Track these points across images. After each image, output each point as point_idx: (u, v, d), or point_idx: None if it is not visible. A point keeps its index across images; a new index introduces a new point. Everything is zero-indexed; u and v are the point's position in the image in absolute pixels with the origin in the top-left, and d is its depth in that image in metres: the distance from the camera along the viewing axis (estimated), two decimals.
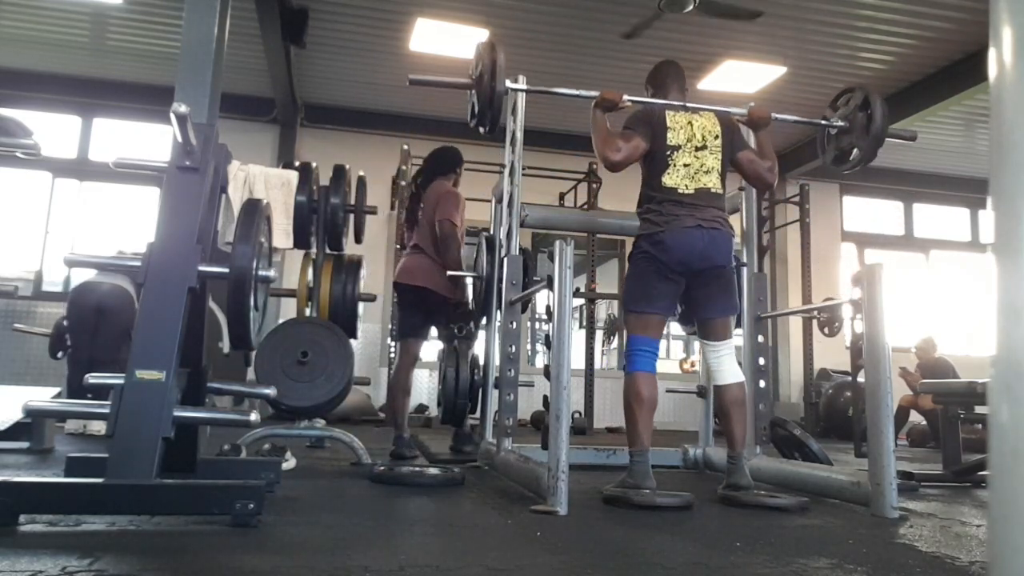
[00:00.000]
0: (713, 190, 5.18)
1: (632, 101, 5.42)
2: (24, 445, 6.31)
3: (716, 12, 9.78)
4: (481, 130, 5.86)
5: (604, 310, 17.87)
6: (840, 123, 5.92)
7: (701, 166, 5.17)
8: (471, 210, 13.16)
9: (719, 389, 5.31)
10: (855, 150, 5.90)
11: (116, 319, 7.91)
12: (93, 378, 3.85)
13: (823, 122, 6.05)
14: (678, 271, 5.06)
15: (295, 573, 2.70)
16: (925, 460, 8.86)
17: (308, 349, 5.91)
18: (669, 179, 5.12)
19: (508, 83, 5.84)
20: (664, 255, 5.01)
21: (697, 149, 5.18)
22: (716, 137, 5.24)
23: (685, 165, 5.14)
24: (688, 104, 5.41)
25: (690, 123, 5.25)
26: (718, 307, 5.26)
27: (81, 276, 8.60)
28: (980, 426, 8.38)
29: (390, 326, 12.95)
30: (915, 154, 16.07)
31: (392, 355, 12.78)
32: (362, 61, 12.91)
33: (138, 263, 3.87)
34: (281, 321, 6.75)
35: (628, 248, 5.50)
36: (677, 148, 5.15)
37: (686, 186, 5.11)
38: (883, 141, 5.76)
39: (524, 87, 6.16)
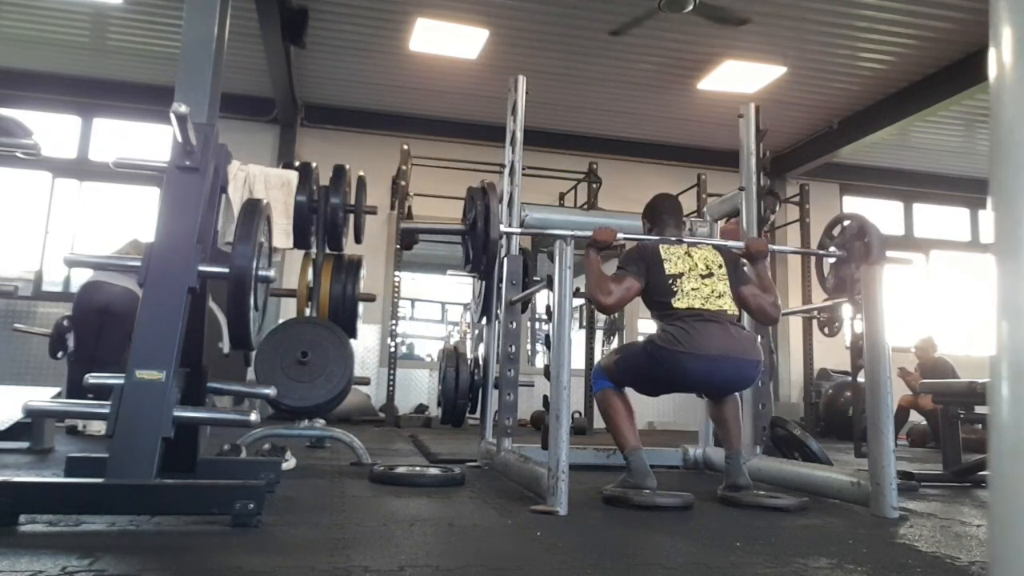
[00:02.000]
0: (730, 312, 5.07)
1: (625, 239, 5.37)
2: (24, 445, 6.31)
3: (708, 15, 9.79)
4: (476, 276, 5.87)
5: None
6: (838, 252, 5.91)
7: (712, 291, 5.05)
8: None
9: None
10: (858, 281, 5.87)
11: (123, 321, 7.90)
12: (93, 378, 3.85)
13: (821, 252, 6.04)
14: (688, 388, 5.08)
15: (295, 573, 2.70)
16: (925, 460, 8.86)
17: (308, 349, 5.92)
18: (681, 303, 4.97)
19: (502, 227, 5.86)
20: (679, 375, 4.92)
21: (703, 276, 5.09)
22: (720, 266, 5.18)
23: (693, 289, 5.02)
24: (684, 239, 5.36)
25: (688, 254, 5.19)
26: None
27: (86, 276, 8.59)
28: (980, 426, 8.38)
29: (390, 326, 12.96)
30: (915, 154, 16.09)
31: (392, 355, 12.79)
32: (362, 61, 12.91)
33: (138, 263, 3.87)
34: (281, 321, 6.75)
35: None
36: (679, 276, 5.05)
37: (703, 305, 4.98)
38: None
39: (518, 231, 6.19)
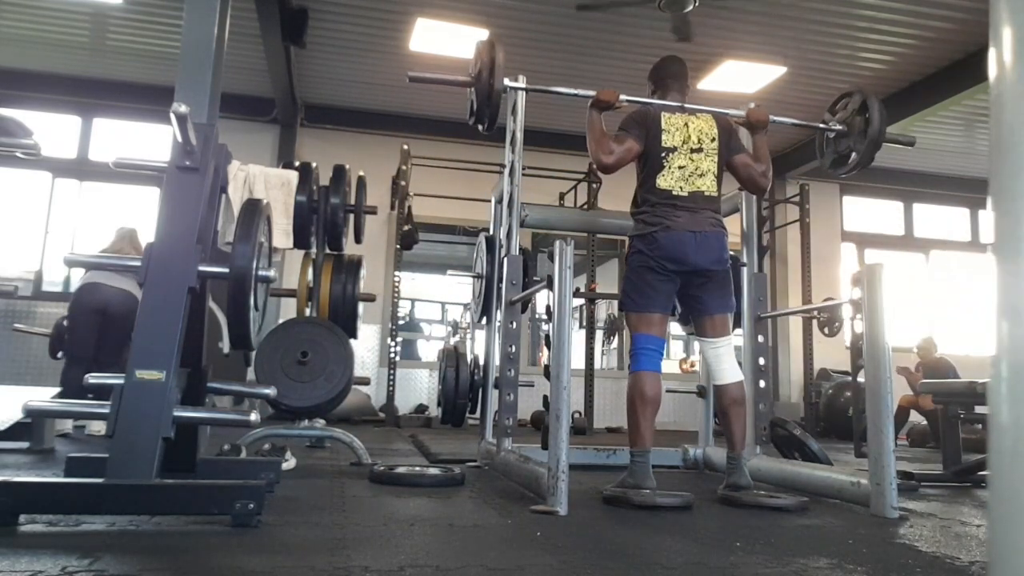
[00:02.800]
0: (707, 193, 5.20)
1: (628, 101, 5.43)
2: (24, 445, 6.31)
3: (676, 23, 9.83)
4: (480, 128, 5.88)
5: (604, 310, 17.84)
6: (838, 127, 5.93)
7: (696, 169, 5.19)
8: (469, 210, 13.19)
9: (719, 389, 5.31)
10: (853, 154, 5.91)
11: (121, 323, 7.90)
12: (93, 378, 3.85)
13: (821, 125, 6.06)
14: (672, 269, 5.07)
15: (295, 573, 2.70)
16: (925, 460, 8.85)
17: (308, 349, 5.92)
18: (663, 181, 5.16)
19: (507, 81, 5.84)
20: (658, 253, 5.05)
21: (693, 151, 5.20)
22: (712, 140, 5.26)
23: (680, 167, 5.17)
24: (685, 105, 5.42)
25: (686, 125, 5.26)
26: (714, 304, 5.27)
27: (82, 277, 8.58)
28: (980, 426, 8.38)
29: (390, 326, 12.97)
30: (915, 154, 16.05)
31: (392, 355, 12.79)
32: (362, 61, 12.90)
33: (138, 263, 3.87)
34: (281, 321, 6.75)
35: (628, 248, 5.50)
36: (672, 150, 5.17)
37: (680, 188, 5.14)
38: (881, 145, 5.78)
39: (523, 86, 6.17)
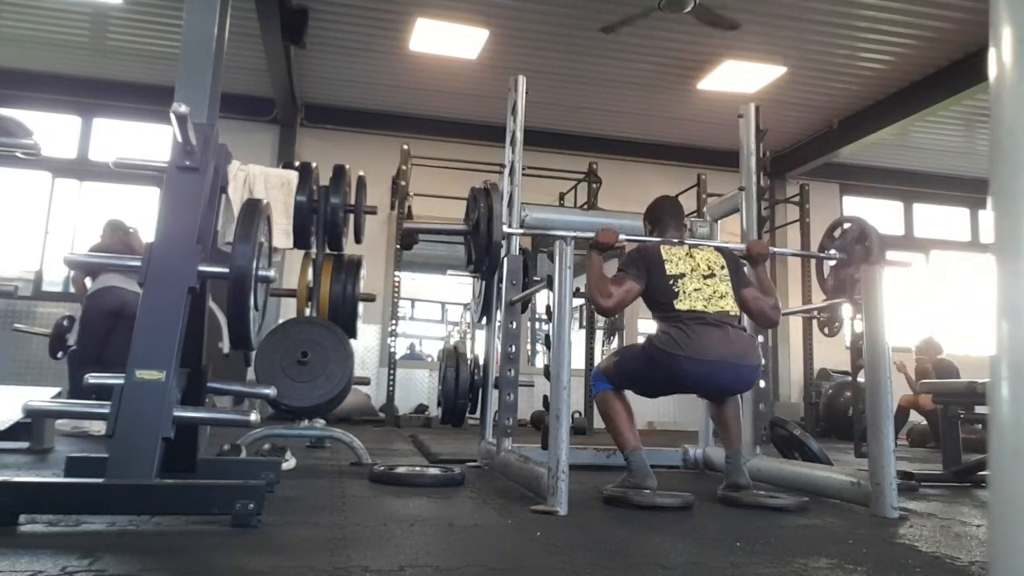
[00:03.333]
0: (732, 313, 5.08)
1: (627, 240, 5.37)
2: (24, 445, 6.31)
3: (703, 18, 9.81)
4: (479, 276, 5.88)
5: None
6: (838, 255, 5.92)
7: (714, 292, 5.06)
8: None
9: None
10: (858, 282, 5.89)
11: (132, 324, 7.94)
12: (93, 378, 3.86)
13: (820, 255, 6.05)
14: (686, 391, 5.07)
15: (295, 573, 2.70)
16: (925, 460, 8.85)
17: (308, 349, 5.92)
18: (682, 304, 4.97)
19: (506, 228, 5.86)
20: (678, 377, 4.93)
21: (705, 277, 5.09)
22: (722, 267, 5.19)
23: (696, 290, 5.03)
24: (685, 240, 5.37)
25: (690, 255, 5.19)
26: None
27: (97, 280, 8.59)
28: (980, 426, 8.38)
29: (390, 326, 12.97)
30: (915, 154, 16.08)
31: (392, 354, 12.80)
32: (362, 61, 12.91)
33: (138, 263, 3.87)
34: (281, 321, 6.74)
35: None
36: (680, 276, 5.06)
37: (704, 307, 4.98)
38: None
39: (521, 231, 6.21)
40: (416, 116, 14.92)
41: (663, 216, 5.53)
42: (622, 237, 5.28)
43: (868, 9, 10.65)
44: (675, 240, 5.32)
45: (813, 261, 6.35)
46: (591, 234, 5.22)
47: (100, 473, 3.48)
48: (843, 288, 5.94)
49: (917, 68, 12.38)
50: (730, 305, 5.07)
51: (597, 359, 14.96)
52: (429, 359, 20.17)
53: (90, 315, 8.29)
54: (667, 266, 5.08)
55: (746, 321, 5.71)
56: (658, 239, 5.35)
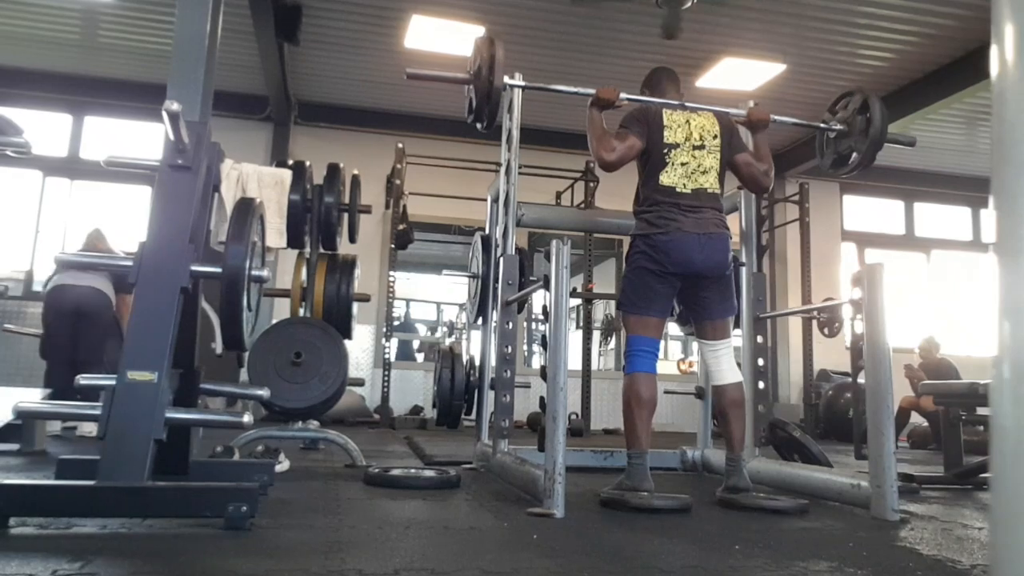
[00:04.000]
0: (710, 190, 5.18)
1: (629, 99, 5.43)
2: (15, 447, 6.31)
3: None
4: (478, 126, 5.88)
5: (601, 311, 17.86)
6: (839, 126, 5.93)
7: (699, 166, 5.17)
8: (465, 209, 13.18)
9: (717, 390, 5.32)
10: (854, 154, 5.92)
11: (96, 321, 7.91)
12: (84, 379, 3.85)
13: (821, 125, 6.07)
14: (674, 273, 5.06)
15: None
16: (926, 462, 8.85)
17: (302, 350, 5.92)
18: (666, 178, 5.13)
19: (506, 79, 5.85)
20: (660, 256, 5.02)
21: (695, 148, 5.18)
22: (715, 137, 5.25)
23: (683, 164, 5.14)
24: (686, 103, 5.42)
25: (688, 122, 5.26)
26: (716, 309, 5.27)
27: (50, 280, 8.56)
28: (982, 428, 8.38)
29: (384, 327, 12.97)
30: (916, 153, 16.04)
31: (386, 355, 12.81)
32: (357, 58, 12.89)
33: (130, 263, 3.87)
34: (275, 321, 6.74)
35: (626, 248, 5.50)
36: (674, 146, 5.15)
37: (683, 185, 5.12)
38: (882, 145, 5.78)
39: (522, 83, 6.18)
40: (411, 114, 14.89)
41: (662, 80, 5.62)
42: (622, 95, 5.40)
43: (868, 5, 10.65)
44: (676, 103, 5.41)
45: (816, 139, 6.32)
46: (592, 91, 5.41)
47: (92, 475, 3.48)
48: (843, 161, 5.97)
49: (918, 65, 12.38)
50: (710, 181, 5.21)
51: (594, 360, 15.01)
52: (424, 332, 20.29)
53: (48, 317, 8.26)
54: (666, 132, 5.20)
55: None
56: (660, 100, 5.44)
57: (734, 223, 6.57)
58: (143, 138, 14.02)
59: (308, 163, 6.78)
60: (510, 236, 6.31)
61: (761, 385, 6.25)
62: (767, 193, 5.79)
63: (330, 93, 14.45)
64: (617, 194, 12.13)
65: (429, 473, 5.54)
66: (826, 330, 14.03)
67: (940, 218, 17.78)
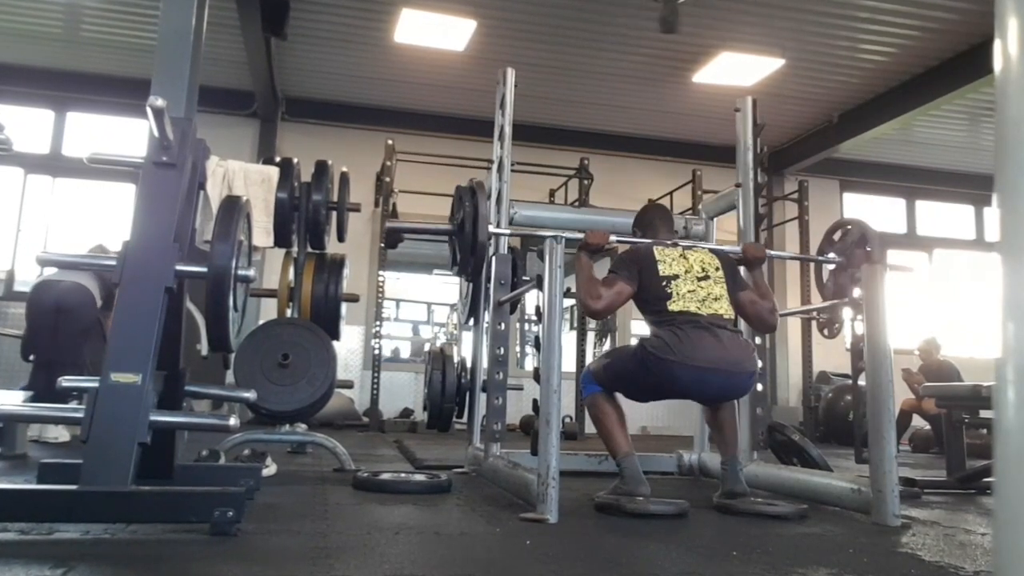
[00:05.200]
0: (726, 316, 5.07)
1: (619, 241, 5.37)
2: None
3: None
4: (462, 277, 5.88)
5: None
6: (838, 259, 5.92)
7: (708, 294, 5.05)
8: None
9: None
10: (856, 289, 5.89)
11: (75, 318, 7.83)
12: (66, 381, 3.84)
13: (820, 258, 6.06)
14: (679, 396, 5.07)
15: None
16: (928, 466, 8.87)
17: (289, 351, 5.91)
18: (676, 305, 4.96)
19: (491, 228, 5.86)
20: (671, 383, 4.90)
21: (699, 279, 5.07)
22: (717, 269, 5.18)
23: (690, 291, 5.01)
24: (679, 242, 5.36)
25: (683, 256, 5.18)
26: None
27: (37, 277, 8.53)
28: (985, 431, 8.38)
29: (374, 328, 12.97)
30: (918, 150, 16.10)
31: (376, 355, 12.81)
32: (345, 53, 12.90)
33: (113, 262, 3.87)
34: (261, 322, 6.73)
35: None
36: (674, 277, 5.04)
37: (698, 308, 4.97)
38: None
39: (507, 232, 6.22)
40: (401, 110, 14.88)
41: (653, 220, 5.57)
42: (612, 238, 5.27)
43: None
44: (668, 241, 5.32)
45: (813, 265, 6.35)
46: (581, 235, 5.23)
47: (74, 480, 3.46)
48: (843, 292, 5.95)
49: (920, 60, 12.40)
50: (724, 308, 5.06)
51: (589, 361, 14.99)
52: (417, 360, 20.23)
53: (30, 316, 8.20)
54: (660, 267, 5.07)
55: (742, 325, 5.71)
56: (651, 240, 5.35)
57: (732, 222, 6.59)
58: (127, 134, 14.00)
59: (296, 160, 6.78)
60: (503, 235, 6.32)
61: (760, 387, 6.24)
62: (774, 331, 5.76)
63: (318, 88, 14.45)
64: (612, 192, 12.15)
65: (419, 477, 5.54)
66: (826, 331, 13.91)
67: (942, 216, 17.79)
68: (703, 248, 5.38)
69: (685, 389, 4.98)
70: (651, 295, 5.05)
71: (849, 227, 5.96)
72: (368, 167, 13.17)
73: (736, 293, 5.20)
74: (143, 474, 3.61)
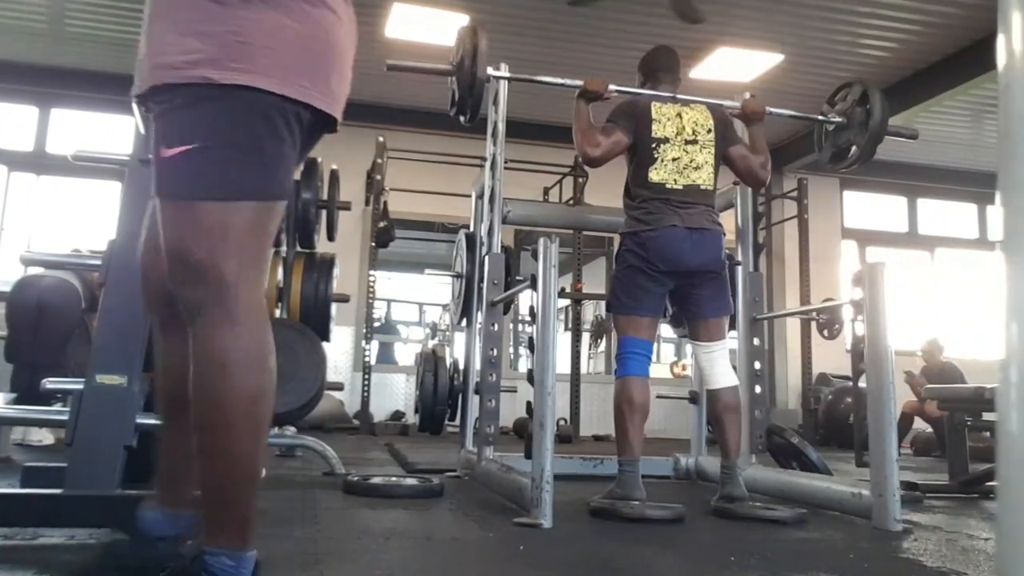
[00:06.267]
0: (703, 187, 5.18)
1: (618, 91, 5.43)
2: None
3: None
4: (461, 119, 5.88)
5: (591, 311, 17.87)
6: (837, 119, 5.93)
7: (691, 161, 5.17)
8: (449, 206, 13.14)
9: (711, 394, 5.31)
10: (853, 147, 5.92)
11: (59, 316, 7.75)
12: (51, 383, 3.84)
13: (820, 117, 6.07)
14: (665, 271, 5.06)
15: None
16: (930, 470, 8.88)
17: (278, 353, 5.89)
18: (656, 174, 5.12)
19: (490, 70, 5.84)
20: (650, 255, 5.03)
21: (687, 143, 5.18)
22: (708, 131, 5.24)
23: (674, 159, 5.14)
24: (678, 96, 5.42)
25: (679, 115, 5.25)
26: (709, 307, 5.27)
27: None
28: (988, 434, 8.40)
29: (364, 329, 12.96)
30: (919, 147, 16.00)
31: (366, 358, 12.80)
32: None
33: (98, 262, 3.86)
34: None
35: (616, 246, 5.51)
36: (664, 141, 5.15)
37: (674, 181, 5.12)
38: (882, 138, 5.78)
39: (506, 75, 6.18)
40: (392, 106, 14.82)
41: (657, 70, 5.61)
42: (611, 87, 5.41)
43: None
44: (666, 95, 5.41)
45: (814, 131, 6.32)
46: (580, 82, 5.41)
47: (59, 484, 3.46)
48: (842, 155, 5.98)
49: (922, 56, 12.40)
50: (703, 178, 5.20)
51: (583, 363, 15.02)
52: (405, 332, 20.26)
53: (11, 310, 8.13)
54: (654, 126, 5.19)
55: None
56: (650, 92, 5.44)
57: (730, 220, 6.58)
58: (113, 131, 13.97)
59: None
60: (495, 234, 6.32)
61: (758, 389, 6.26)
62: (764, 187, 5.80)
63: None
64: (607, 190, 12.09)
65: (411, 481, 5.53)
66: (826, 332, 14.05)
67: (944, 215, 17.79)
68: (700, 104, 5.44)
69: (664, 257, 5.05)
70: (640, 153, 5.21)
71: (852, 86, 5.98)
72: (358, 164, 13.14)
73: (727, 148, 5.35)
74: (129, 478, 3.61)
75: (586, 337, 14.97)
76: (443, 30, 11.51)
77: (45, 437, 7.68)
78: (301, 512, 4.46)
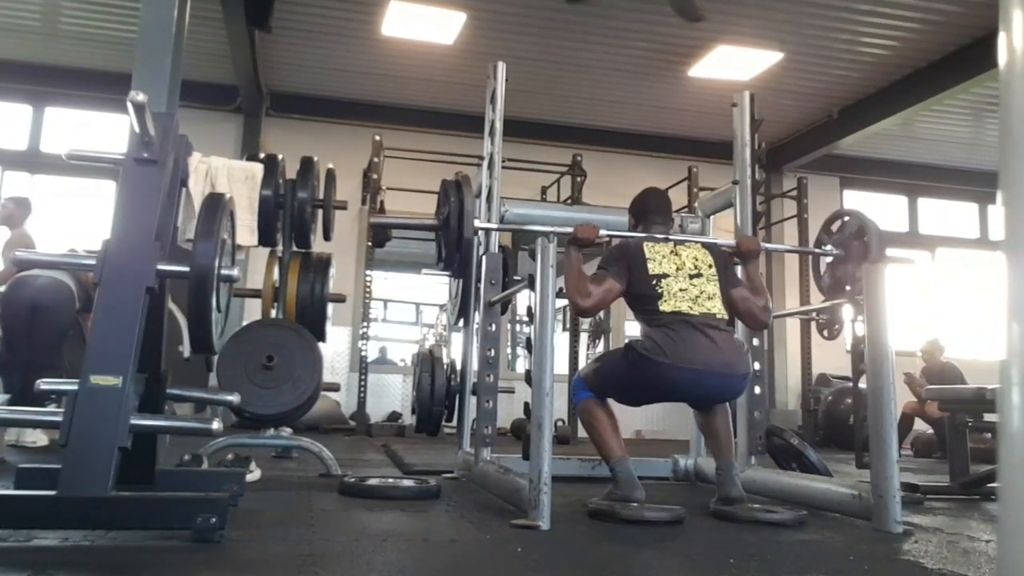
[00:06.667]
0: (719, 316, 5.05)
1: (609, 235, 5.37)
2: None
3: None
4: (449, 274, 5.88)
5: None
6: (835, 251, 5.91)
7: (701, 292, 5.04)
8: None
9: None
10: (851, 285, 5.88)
11: (53, 317, 7.73)
12: (44, 384, 3.83)
13: (816, 251, 6.05)
14: (671, 399, 5.08)
15: None
16: (931, 471, 8.88)
17: (274, 353, 5.90)
18: (667, 305, 4.96)
19: (477, 223, 5.85)
20: (663, 386, 4.94)
21: (691, 277, 5.07)
22: (710, 266, 5.17)
23: (681, 290, 5.00)
24: (671, 237, 5.34)
25: (675, 253, 5.18)
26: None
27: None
28: (989, 435, 8.39)
29: (361, 329, 12.95)
30: (920, 146, 16.10)
31: (363, 357, 12.79)
32: (331, 46, 12.88)
33: (93, 261, 3.86)
34: (245, 323, 6.73)
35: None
36: (664, 276, 5.03)
37: (689, 308, 4.96)
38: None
39: (494, 226, 6.20)
40: (389, 105, 14.87)
41: (648, 211, 5.53)
42: (602, 232, 5.28)
43: None
44: (659, 236, 5.30)
45: (810, 259, 6.32)
46: (571, 229, 5.22)
47: (53, 485, 3.45)
48: (840, 287, 5.94)
49: (923, 54, 12.40)
50: (717, 307, 5.05)
51: (582, 363, 14.99)
52: (402, 363, 20.16)
53: (5, 310, 8.11)
54: (650, 265, 5.07)
55: (740, 327, 5.71)
56: (641, 235, 5.34)
57: (728, 219, 6.59)
58: (107, 130, 13.97)
59: (281, 157, 6.77)
60: (493, 233, 6.32)
61: (757, 390, 6.25)
62: (767, 328, 5.75)
63: (303, 83, 14.43)
64: (605, 190, 12.14)
65: (408, 483, 5.53)
66: (825, 332, 13.92)
67: (945, 214, 17.79)
68: (695, 243, 5.39)
69: (678, 392, 5.01)
70: (641, 294, 5.05)
71: (847, 218, 5.95)
72: (355, 163, 13.15)
73: (728, 290, 5.19)
74: (124, 479, 3.60)
75: (584, 338, 14.94)
76: (440, 28, 11.54)
77: (39, 438, 7.67)
78: (297, 513, 4.45)
